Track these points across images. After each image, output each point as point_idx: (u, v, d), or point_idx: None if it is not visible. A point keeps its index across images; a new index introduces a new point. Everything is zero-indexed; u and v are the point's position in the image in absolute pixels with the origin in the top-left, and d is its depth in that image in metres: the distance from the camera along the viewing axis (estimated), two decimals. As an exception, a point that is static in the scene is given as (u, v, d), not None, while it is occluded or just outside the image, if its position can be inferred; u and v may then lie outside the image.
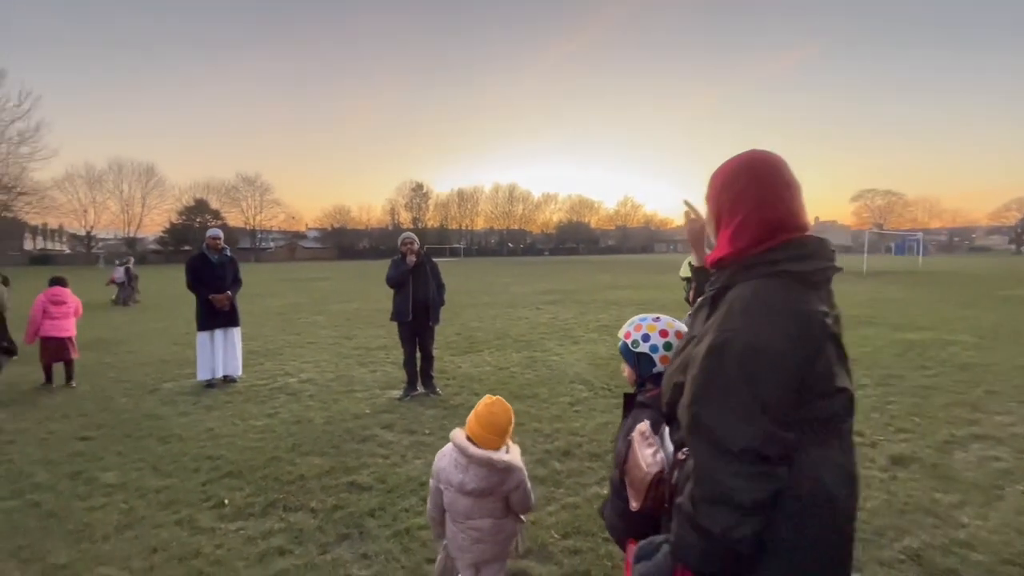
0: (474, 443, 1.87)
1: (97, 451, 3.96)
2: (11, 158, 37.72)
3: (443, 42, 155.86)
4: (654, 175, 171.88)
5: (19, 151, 38.00)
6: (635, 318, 1.85)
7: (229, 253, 6.11)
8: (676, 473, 1.23)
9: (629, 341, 1.78)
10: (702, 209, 1.40)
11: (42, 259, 49.42)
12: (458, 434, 1.93)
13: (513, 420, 1.93)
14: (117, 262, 16.84)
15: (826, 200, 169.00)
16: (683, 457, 1.20)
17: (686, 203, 1.59)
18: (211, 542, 2.70)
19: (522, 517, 2.10)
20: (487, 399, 1.99)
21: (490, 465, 1.81)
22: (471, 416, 1.95)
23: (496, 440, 1.87)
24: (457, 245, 75.33)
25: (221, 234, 6.13)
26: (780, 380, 0.99)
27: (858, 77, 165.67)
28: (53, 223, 56.85)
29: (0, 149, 37.18)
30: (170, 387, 5.81)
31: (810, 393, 1.05)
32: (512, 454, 1.90)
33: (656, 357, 1.68)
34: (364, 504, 3.07)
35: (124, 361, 7.19)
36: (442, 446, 2.03)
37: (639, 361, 1.76)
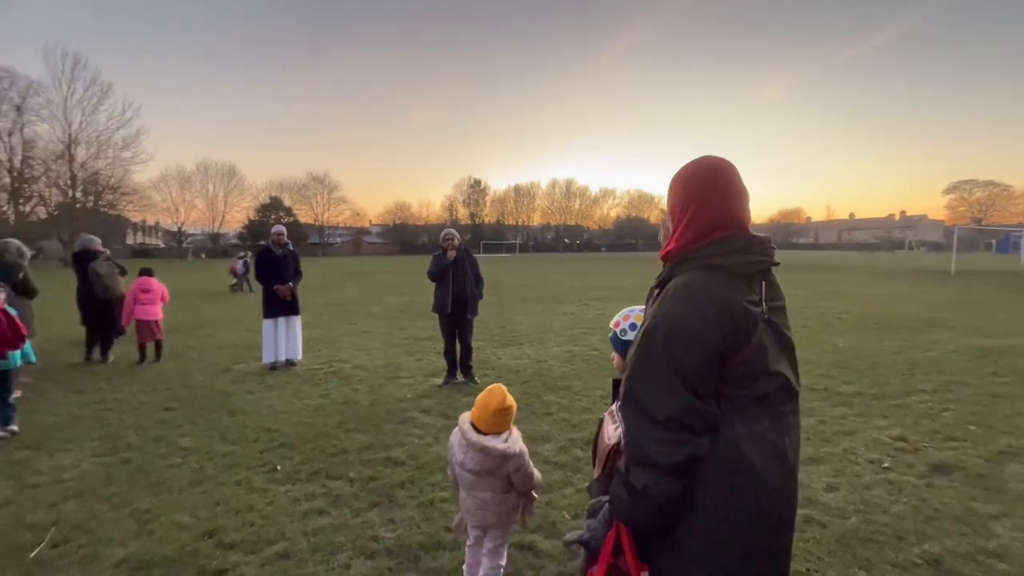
0: (476, 427, 2.06)
1: (177, 420, 4.55)
2: (116, 162, 42.24)
3: (503, 38, 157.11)
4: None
5: (122, 155, 42.50)
6: (625, 309, 1.98)
7: (291, 248, 6.68)
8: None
9: (618, 330, 1.91)
10: None
11: (141, 252, 54.93)
12: (464, 417, 2.13)
13: (509, 406, 2.08)
14: (239, 255, 19.39)
15: (915, 193, 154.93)
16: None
17: (663, 211, 1.71)
18: (263, 500, 3.09)
19: (533, 494, 2.27)
20: (490, 386, 2.18)
21: (484, 451, 2.00)
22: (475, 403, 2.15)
23: (490, 420, 2.03)
24: (513, 241, 75.95)
25: (284, 230, 6.72)
26: (699, 358, 1.12)
27: (952, 57, 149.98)
28: (150, 220, 62.96)
29: (107, 154, 41.71)
30: (240, 368, 6.46)
31: (737, 372, 1.16)
32: (510, 441, 2.05)
33: None
34: (396, 477, 3.38)
35: (204, 344, 8.03)
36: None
37: (626, 349, 1.90)
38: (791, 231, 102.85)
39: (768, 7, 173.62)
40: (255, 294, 15.83)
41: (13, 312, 4.09)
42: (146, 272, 6.99)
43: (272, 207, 63.05)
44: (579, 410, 4.71)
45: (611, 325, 2.01)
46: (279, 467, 3.55)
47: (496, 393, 2.08)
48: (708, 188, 1.26)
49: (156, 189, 55.89)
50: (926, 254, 52.26)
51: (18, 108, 36.90)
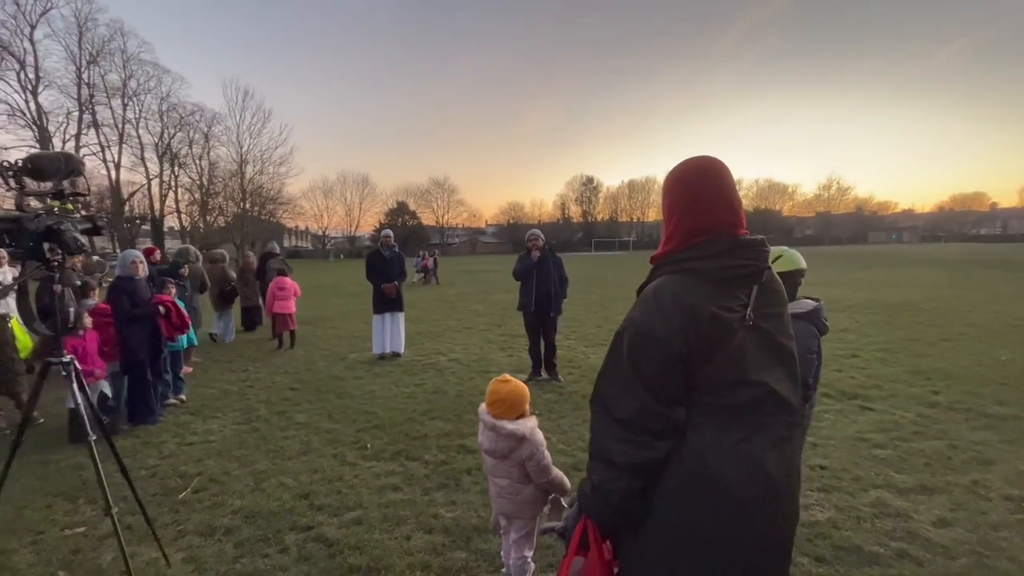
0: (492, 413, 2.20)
1: (297, 398, 5.30)
2: (275, 176, 49.46)
3: (618, 31, 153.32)
4: (870, 148, 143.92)
5: (279, 170, 49.63)
6: None
7: (397, 250, 7.34)
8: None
9: None
10: None
11: (294, 254, 63.56)
12: (483, 407, 2.28)
13: (513, 393, 2.18)
14: (426, 254, 22.33)
15: None
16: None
17: None
18: (351, 473, 3.53)
19: (562, 501, 2.31)
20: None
21: (495, 429, 2.13)
22: None
23: (492, 401, 2.17)
24: (627, 238, 73.98)
25: (391, 233, 7.40)
26: (659, 364, 1.12)
27: None
28: (301, 225, 72.43)
29: (268, 170, 48.97)
30: (354, 357, 7.28)
31: (708, 380, 1.14)
32: (522, 426, 2.14)
33: None
34: (465, 463, 3.61)
35: (328, 334, 9.15)
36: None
37: None
38: (968, 220, 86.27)
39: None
40: (441, 287, 18.31)
41: (181, 304, 5.11)
42: (281, 272, 8.19)
43: (399, 211, 68.78)
44: (659, 414, 4.56)
45: None
46: (369, 446, 3.99)
47: (502, 381, 2.23)
48: (691, 191, 1.24)
49: (306, 198, 64.25)
50: None
51: (206, 136, 44.85)
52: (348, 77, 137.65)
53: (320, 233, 68.97)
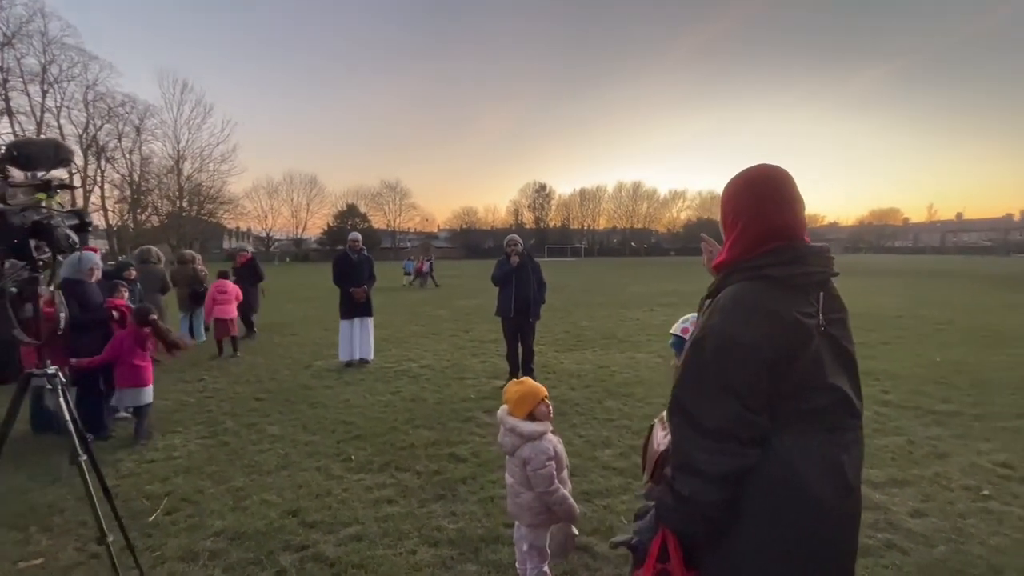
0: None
1: (266, 409, 5.00)
2: (215, 174, 46.71)
3: (572, 43, 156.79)
4: (807, 167, 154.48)
5: (221, 168, 46.93)
6: (690, 315, 2.00)
7: (366, 253, 7.11)
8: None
9: (687, 336, 1.94)
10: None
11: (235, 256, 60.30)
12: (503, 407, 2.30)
13: (519, 392, 2.19)
14: (423, 257, 22.38)
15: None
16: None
17: (702, 236, 1.73)
18: (339, 486, 3.35)
19: (574, 529, 2.30)
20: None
21: (502, 422, 2.21)
22: None
23: (508, 402, 2.22)
24: (578, 245, 75.44)
25: (359, 236, 7.16)
26: (749, 370, 1.13)
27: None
28: (243, 226, 68.79)
29: (208, 168, 46.23)
30: (320, 364, 6.96)
31: (790, 385, 1.16)
32: (523, 424, 2.15)
33: None
34: (459, 472, 3.53)
35: (289, 342, 8.72)
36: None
37: None
38: (885, 233, 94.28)
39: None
40: (439, 289, 18.25)
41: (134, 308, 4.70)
42: (223, 275, 7.75)
43: (349, 214, 66.77)
44: (640, 417, 4.65)
45: (676, 331, 2.04)
46: (353, 457, 3.82)
47: (512, 383, 2.28)
48: (759, 199, 1.26)
49: (248, 198, 61.27)
50: (1053, 259, 45.80)
51: (137, 129, 41.71)
52: (297, 75, 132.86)
53: (264, 235, 65.87)
